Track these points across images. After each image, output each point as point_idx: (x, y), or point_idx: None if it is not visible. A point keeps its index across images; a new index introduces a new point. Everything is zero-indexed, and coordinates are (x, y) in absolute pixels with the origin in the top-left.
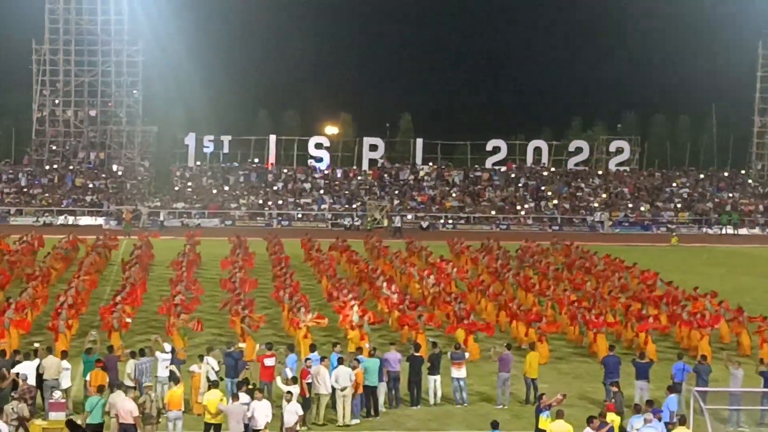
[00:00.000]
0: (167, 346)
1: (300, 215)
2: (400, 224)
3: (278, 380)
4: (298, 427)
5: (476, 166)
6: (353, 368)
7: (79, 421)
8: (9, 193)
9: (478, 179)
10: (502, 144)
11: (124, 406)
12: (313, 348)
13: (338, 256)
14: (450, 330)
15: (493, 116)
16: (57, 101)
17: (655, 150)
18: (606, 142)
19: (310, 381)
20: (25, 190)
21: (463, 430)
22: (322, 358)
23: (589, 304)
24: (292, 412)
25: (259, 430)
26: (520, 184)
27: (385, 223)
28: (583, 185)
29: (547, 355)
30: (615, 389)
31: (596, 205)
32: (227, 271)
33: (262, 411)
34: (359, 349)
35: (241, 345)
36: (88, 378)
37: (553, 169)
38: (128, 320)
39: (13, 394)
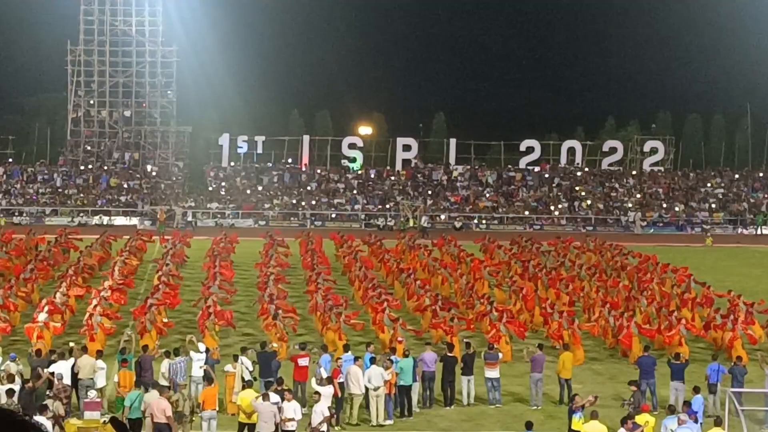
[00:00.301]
0: (201, 346)
1: (333, 215)
2: (427, 224)
3: (313, 381)
4: (324, 428)
5: (510, 166)
6: (386, 368)
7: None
8: (44, 193)
9: (512, 179)
10: (535, 144)
11: (159, 405)
12: (346, 348)
13: (371, 255)
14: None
15: (526, 116)
16: (92, 102)
17: (689, 150)
18: (640, 142)
19: (341, 380)
20: (60, 190)
21: (496, 430)
22: (356, 358)
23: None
24: (318, 412)
25: (288, 430)
26: (553, 185)
27: (411, 223)
28: (617, 185)
29: (582, 356)
30: (634, 388)
31: (630, 205)
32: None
33: (290, 412)
34: (393, 349)
35: (275, 345)
36: (116, 379)
37: (586, 169)
38: (165, 320)
39: (48, 393)
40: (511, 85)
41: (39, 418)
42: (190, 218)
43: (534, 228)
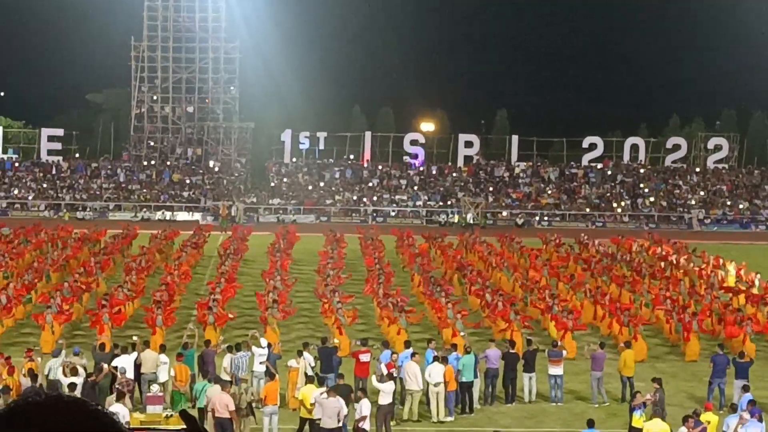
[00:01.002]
0: (263, 341)
1: (395, 212)
2: (472, 220)
3: (373, 378)
4: (366, 425)
5: (572, 162)
6: (445, 365)
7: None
8: (108, 188)
9: (574, 176)
10: (598, 141)
11: (221, 399)
12: (407, 344)
13: (431, 251)
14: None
15: (589, 113)
16: (155, 98)
17: (754, 147)
18: (704, 139)
19: (389, 372)
20: (123, 185)
21: (557, 428)
22: (413, 354)
23: (683, 303)
24: (358, 409)
25: (332, 428)
26: (616, 182)
27: (466, 218)
28: (680, 183)
29: (644, 352)
30: (656, 386)
31: (693, 202)
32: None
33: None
34: (454, 346)
35: (336, 341)
36: (172, 373)
37: (650, 166)
38: (231, 316)
39: (114, 386)
40: (575, 81)
41: (116, 407)
42: (240, 212)
43: (596, 225)
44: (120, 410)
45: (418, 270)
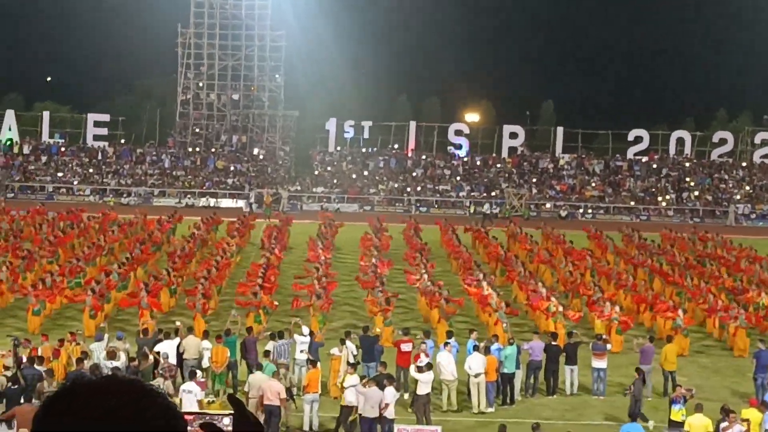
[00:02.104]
0: (305, 329)
1: (438, 202)
2: (489, 211)
3: (412, 368)
4: (388, 413)
5: (617, 155)
6: (486, 355)
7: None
8: (153, 174)
9: (619, 169)
10: (644, 134)
11: (272, 386)
12: (449, 335)
13: (474, 242)
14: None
15: (635, 105)
16: (201, 85)
17: None
18: (751, 134)
19: (421, 364)
20: (168, 171)
21: (599, 420)
22: (445, 344)
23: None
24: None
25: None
26: (661, 175)
27: (517, 211)
28: (726, 177)
29: (686, 347)
30: (636, 376)
31: (739, 197)
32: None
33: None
34: (496, 336)
35: (378, 330)
36: (209, 354)
37: (695, 160)
38: (276, 303)
39: (156, 371)
40: (622, 73)
41: (188, 384)
42: (283, 200)
43: (640, 218)
44: (195, 389)
45: (461, 260)
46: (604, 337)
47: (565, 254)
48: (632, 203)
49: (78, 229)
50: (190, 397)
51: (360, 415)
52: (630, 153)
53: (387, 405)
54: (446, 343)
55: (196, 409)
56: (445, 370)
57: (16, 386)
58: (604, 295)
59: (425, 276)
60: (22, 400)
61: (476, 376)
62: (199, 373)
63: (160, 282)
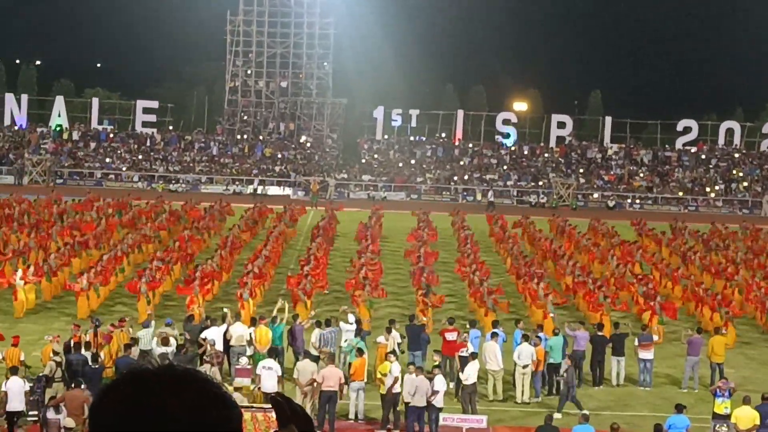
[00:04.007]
0: (351, 317)
1: (485, 191)
2: (492, 198)
3: (457, 357)
4: (434, 400)
5: (666, 145)
6: (535, 345)
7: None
8: (201, 161)
9: (668, 159)
10: (693, 124)
11: (334, 372)
12: (495, 324)
13: (521, 233)
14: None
15: (684, 95)
16: (249, 72)
17: None
18: None
19: (464, 354)
20: (216, 159)
21: (645, 412)
22: (494, 335)
23: None
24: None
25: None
26: (710, 166)
27: (570, 201)
28: None
29: (733, 339)
30: (567, 362)
31: None
32: (412, 245)
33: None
34: (540, 327)
35: (424, 318)
36: (252, 336)
37: (744, 151)
38: (326, 291)
39: (204, 357)
40: (670, 63)
41: (268, 361)
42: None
43: (689, 209)
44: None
45: (509, 251)
46: (648, 327)
47: (612, 247)
48: (680, 194)
49: (128, 217)
50: (270, 374)
51: (407, 404)
52: (679, 143)
53: (435, 393)
54: (494, 334)
55: (275, 384)
56: (491, 360)
57: (96, 366)
58: (649, 288)
59: (474, 267)
60: (73, 385)
61: (524, 366)
62: (244, 359)
63: (208, 269)
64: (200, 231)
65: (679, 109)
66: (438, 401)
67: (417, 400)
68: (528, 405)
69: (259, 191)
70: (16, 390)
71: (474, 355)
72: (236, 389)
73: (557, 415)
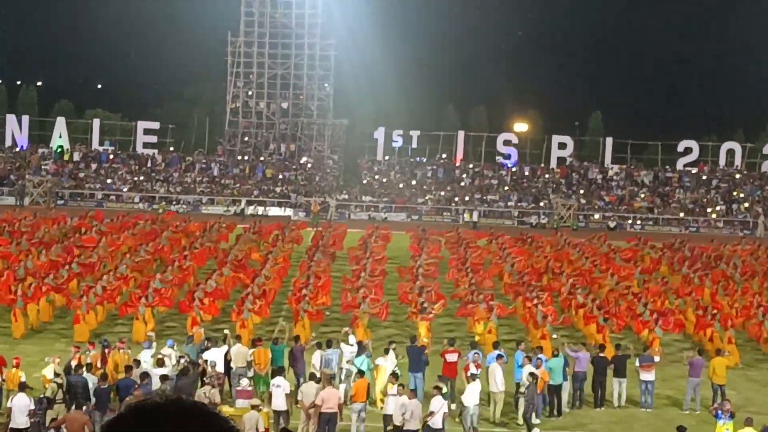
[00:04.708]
0: (352, 339)
1: (486, 212)
2: (477, 219)
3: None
4: (435, 422)
5: (667, 166)
6: (536, 367)
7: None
8: (201, 182)
9: (668, 180)
10: (694, 145)
11: (332, 393)
12: (496, 345)
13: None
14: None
15: (685, 117)
16: (250, 93)
17: None
18: None
19: (472, 373)
20: (217, 179)
21: None
22: (498, 356)
23: None
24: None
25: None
26: (711, 187)
27: (571, 222)
28: None
29: (736, 360)
30: (530, 380)
31: None
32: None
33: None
34: (540, 348)
35: (425, 340)
36: (250, 358)
37: (746, 171)
38: (326, 313)
39: (205, 379)
40: (670, 85)
41: (277, 379)
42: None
43: (690, 230)
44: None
45: (508, 270)
46: (650, 348)
47: (608, 267)
48: (681, 215)
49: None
50: (279, 391)
51: (399, 428)
52: (679, 164)
53: (432, 413)
54: (499, 356)
55: (284, 402)
56: (494, 382)
57: (105, 385)
58: (652, 308)
59: (472, 287)
60: (74, 407)
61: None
62: (245, 381)
63: (208, 290)
64: (200, 248)
65: (680, 130)
66: (436, 422)
67: (413, 424)
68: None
69: (246, 211)
70: (22, 406)
71: (473, 377)
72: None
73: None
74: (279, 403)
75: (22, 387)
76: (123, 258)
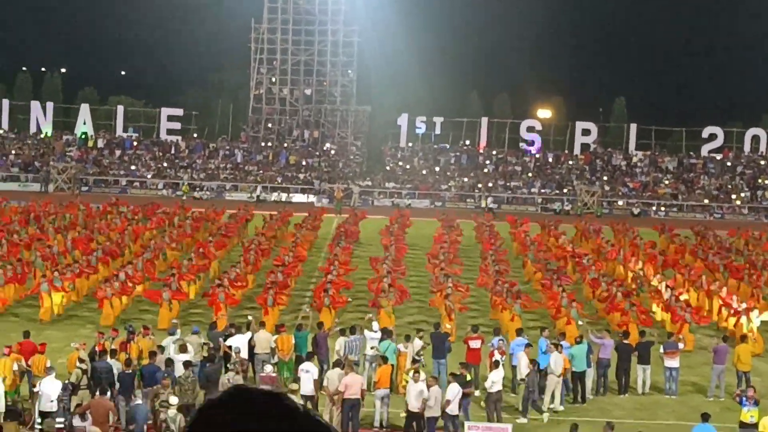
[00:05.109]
0: (375, 325)
1: (509, 198)
2: (492, 204)
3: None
4: (452, 408)
5: (691, 153)
6: (551, 351)
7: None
8: (225, 168)
9: (693, 167)
10: (718, 131)
11: (356, 380)
12: (519, 332)
13: (546, 239)
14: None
15: (709, 102)
16: (273, 80)
17: None
18: None
19: (496, 360)
20: (240, 166)
21: (671, 420)
22: (527, 345)
23: None
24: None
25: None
26: (735, 173)
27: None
28: None
29: (762, 347)
30: (531, 367)
31: None
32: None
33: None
34: (563, 334)
35: (448, 326)
36: (273, 344)
37: None
38: (349, 300)
39: (229, 365)
40: (695, 70)
41: (306, 364)
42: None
43: (714, 216)
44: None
45: (532, 258)
46: (674, 335)
47: (633, 253)
48: (706, 201)
49: (151, 223)
50: (308, 377)
51: (415, 414)
52: (704, 150)
53: (449, 401)
54: (528, 344)
55: (312, 387)
56: (520, 370)
57: (130, 370)
58: (677, 295)
59: (496, 276)
60: (98, 393)
61: (559, 375)
62: (269, 367)
63: (232, 276)
64: (224, 237)
65: (705, 116)
66: (453, 410)
67: (434, 410)
68: (556, 413)
69: (260, 197)
70: (52, 390)
71: (497, 363)
72: None
73: (522, 420)
74: (308, 388)
75: (51, 371)
76: (147, 245)
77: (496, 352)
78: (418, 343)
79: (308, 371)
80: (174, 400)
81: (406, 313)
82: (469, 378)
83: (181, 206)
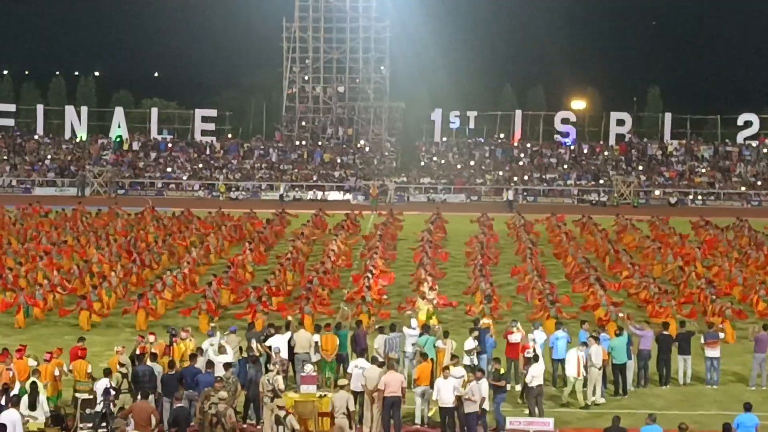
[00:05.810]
0: (414, 323)
1: (545, 191)
2: (512, 197)
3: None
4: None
5: (727, 140)
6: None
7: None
8: (260, 168)
9: (729, 154)
10: (754, 118)
11: (396, 378)
12: (558, 326)
13: (579, 232)
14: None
15: (744, 89)
16: (306, 78)
17: None
18: None
19: (529, 355)
20: (275, 165)
21: (714, 410)
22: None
23: None
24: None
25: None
26: None
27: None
28: None
29: None
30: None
31: None
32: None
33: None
34: (602, 327)
35: (487, 321)
36: (318, 342)
37: None
38: (385, 297)
39: (268, 366)
40: (729, 57)
41: (359, 360)
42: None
43: (752, 204)
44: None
45: (571, 252)
46: (716, 325)
47: (671, 247)
48: (743, 189)
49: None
50: (359, 373)
51: (448, 409)
52: (740, 138)
53: (483, 398)
54: (584, 343)
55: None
56: (572, 368)
57: (173, 372)
58: (716, 288)
59: (534, 273)
60: (140, 397)
61: (600, 368)
62: (309, 366)
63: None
64: (262, 242)
65: (740, 103)
66: (485, 406)
67: (473, 406)
68: (597, 406)
69: (285, 197)
70: (103, 390)
71: (536, 357)
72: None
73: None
74: (359, 385)
75: (107, 373)
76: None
77: (531, 344)
78: (471, 342)
79: (362, 368)
80: (223, 394)
81: (443, 310)
82: (503, 371)
83: (216, 220)
